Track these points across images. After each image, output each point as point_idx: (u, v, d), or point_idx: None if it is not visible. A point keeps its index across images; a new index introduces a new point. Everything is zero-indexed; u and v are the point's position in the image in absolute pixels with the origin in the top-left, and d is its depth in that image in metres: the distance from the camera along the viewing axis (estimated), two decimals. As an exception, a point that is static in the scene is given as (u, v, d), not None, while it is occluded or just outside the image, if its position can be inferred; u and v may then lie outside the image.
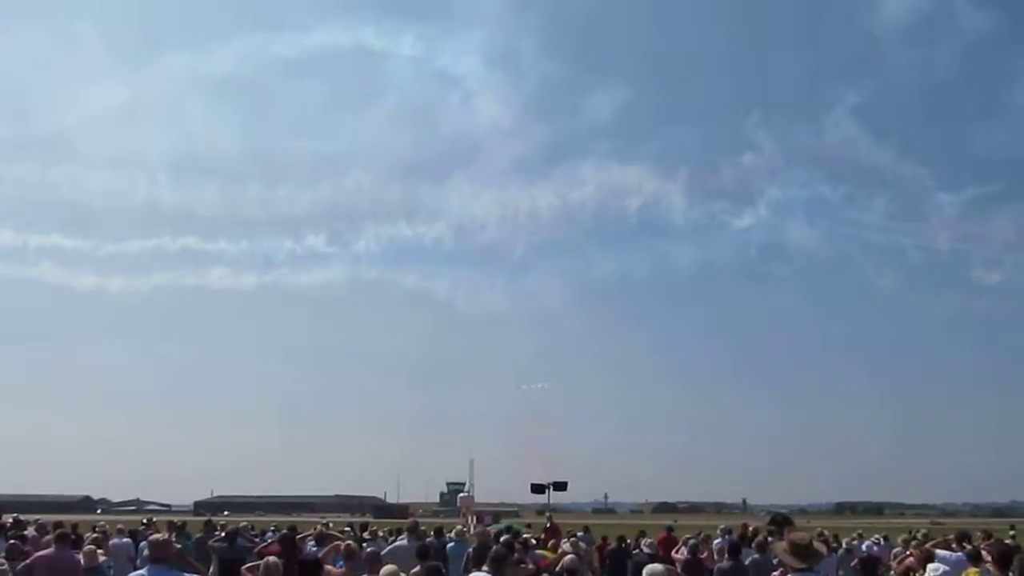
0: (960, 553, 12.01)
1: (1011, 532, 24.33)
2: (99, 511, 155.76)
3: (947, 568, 7.29)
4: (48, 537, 13.91)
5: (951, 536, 14.42)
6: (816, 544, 6.95)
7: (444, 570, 9.77)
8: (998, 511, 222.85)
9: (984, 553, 11.46)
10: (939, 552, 12.35)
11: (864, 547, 19.80)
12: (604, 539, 23.39)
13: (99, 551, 13.58)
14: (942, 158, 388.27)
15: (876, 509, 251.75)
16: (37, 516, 30.33)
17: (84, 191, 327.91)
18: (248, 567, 10.86)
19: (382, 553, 12.53)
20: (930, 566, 7.26)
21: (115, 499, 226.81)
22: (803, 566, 6.60)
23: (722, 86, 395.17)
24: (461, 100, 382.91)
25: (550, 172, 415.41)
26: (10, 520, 21.01)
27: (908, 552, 13.51)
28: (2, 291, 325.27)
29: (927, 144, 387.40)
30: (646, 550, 16.75)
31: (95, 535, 17.37)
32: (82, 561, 12.45)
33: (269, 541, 16.23)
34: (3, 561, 12.01)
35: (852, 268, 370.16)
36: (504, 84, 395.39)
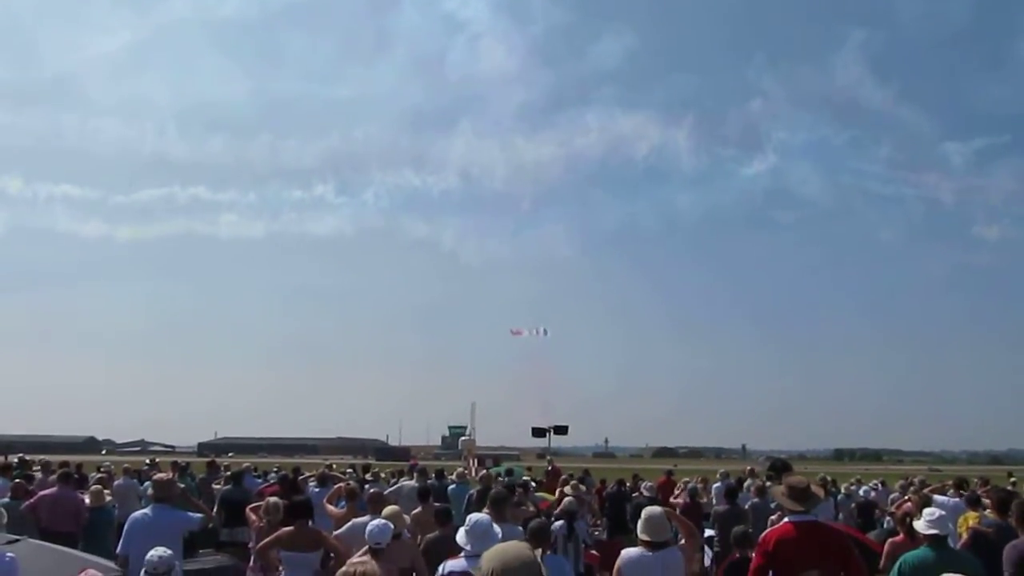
0: (958, 499, 12.11)
1: (1011, 479, 24.45)
2: (103, 452, 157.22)
3: (944, 513, 7.30)
4: (52, 477, 14.02)
5: (949, 482, 14.53)
6: (814, 488, 6.98)
7: (452, 512, 9.87)
8: (995, 459, 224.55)
9: (983, 499, 11.55)
10: (937, 497, 12.43)
11: (862, 492, 19.97)
12: (603, 482, 23.58)
13: (105, 491, 13.70)
14: (948, 108, 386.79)
15: (874, 455, 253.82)
16: (42, 456, 30.62)
17: (93, 140, 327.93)
18: (252, 507, 10.94)
19: (386, 492, 12.64)
20: (926, 511, 7.26)
21: (119, 440, 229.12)
22: (800, 509, 6.63)
23: (729, 31, 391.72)
24: (467, 45, 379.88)
25: (556, 119, 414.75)
26: (15, 460, 21.17)
27: (906, 497, 13.60)
28: (12, 238, 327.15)
29: (933, 93, 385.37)
30: (646, 493, 16.87)
31: (100, 475, 17.50)
32: (88, 500, 12.55)
33: (271, 482, 16.34)
34: (8, 500, 12.13)
35: (855, 218, 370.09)
36: (510, 29, 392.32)
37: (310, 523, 8.88)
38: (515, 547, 3.42)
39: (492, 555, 3.29)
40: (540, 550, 6.72)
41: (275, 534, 8.87)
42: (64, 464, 17.62)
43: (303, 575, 8.58)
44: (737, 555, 8.82)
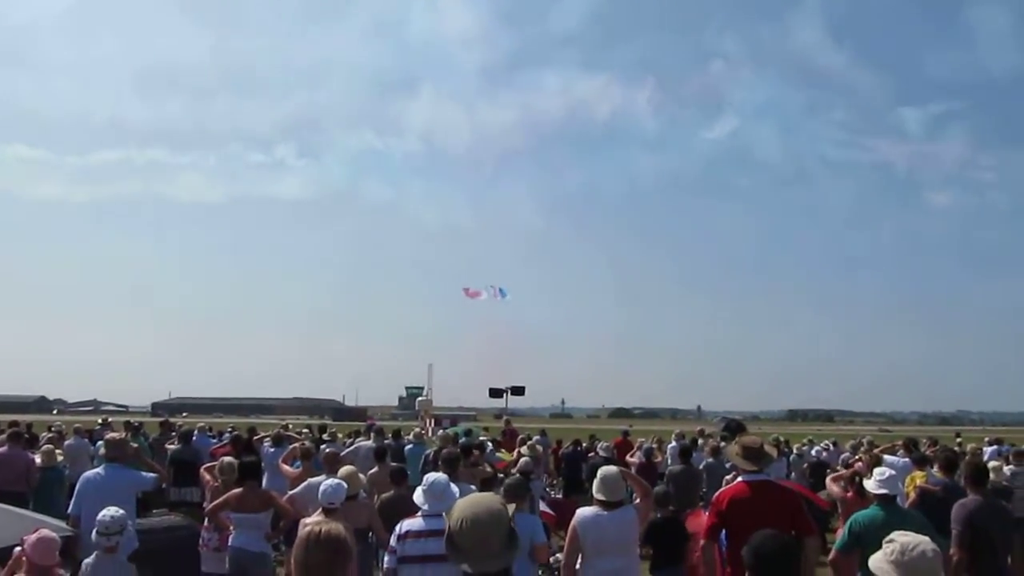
0: (907, 459, 12.33)
1: (958, 439, 25.00)
2: (55, 412, 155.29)
3: (894, 473, 7.43)
4: (1, 436, 13.81)
5: (899, 442, 14.78)
6: (767, 448, 7.05)
7: (407, 471, 9.86)
8: (944, 420, 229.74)
9: (931, 458, 11.75)
10: (887, 457, 12.65)
11: (814, 452, 20.27)
12: (559, 443, 23.73)
13: (56, 451, 13.54)
14: (903, 74, 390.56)
15: (826, 416, 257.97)
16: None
17: (48, 102, 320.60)
18: (206, 467, 10.88)
19: (343, 453, 12.61)
20: (876, 470, 7.39)
21: (71, 400, 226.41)
22: (754, 468, 6.70)
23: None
24: (428, 5, 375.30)
25: (517, 81, 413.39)
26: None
27: (857, 457, 13.83)
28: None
29: (889, 59, 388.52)
30: (602, 453, 17.00)
31: (51, 435, 17.28)
32: (39, 460, 12.40)
33: (224, 442, 16.25)
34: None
35: (810, 182, 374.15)
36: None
37: (262, 483, 8.88)
38: (487, 498, 3.42)
39: (463, 505, 3.29)
40: (514, 506, 6.75)
41: (224, 496, 8.86)
42: (13, 424, 17.37)
43: (253, 535, 8.58)
44: (658, 515, 8.87)
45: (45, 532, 5.90)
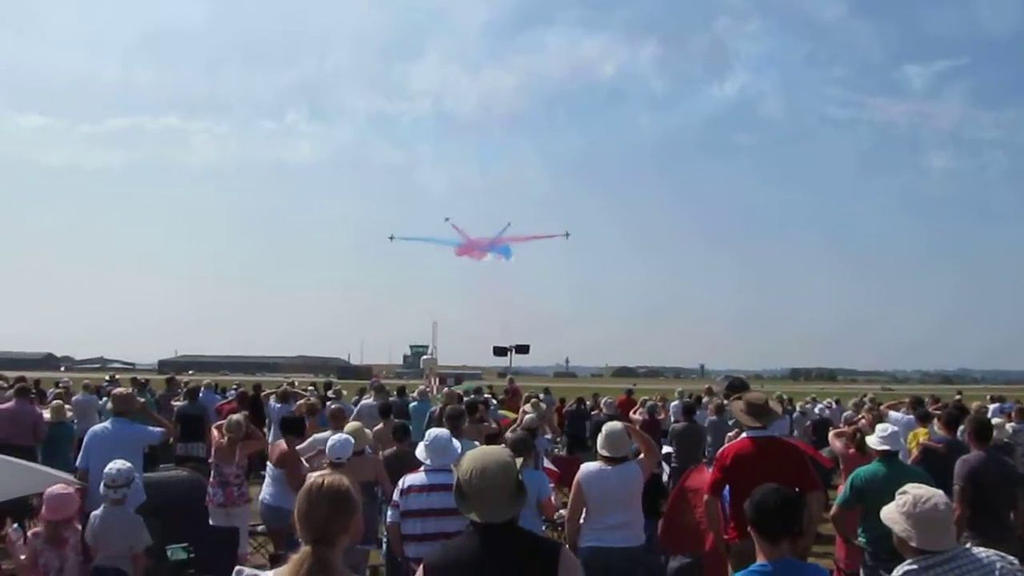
0: (910, 416, 12.35)
1: (957, 397, 25.03)
2: (62, 368, 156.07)
3: (896, 429, 7.45)
4: (10, 392, 13.89)
5: (904, 399, 14.79)
6: (772, 404, 7.05)
7: (410, 428, 9.92)
8: (946, 378, 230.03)
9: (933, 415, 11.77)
10: (892, 414, 12.69)
11: (817, 410, 20.33)
12: (562, 401, 23.78)
13: (65, 406, 13.61)
14: (905, 30, 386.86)
15: (829, 375, 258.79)
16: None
17: (60, 70, 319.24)
18: (216, 425, 10.95)
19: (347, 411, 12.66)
20: (879, 427, 7.42)
21: (78, 357, 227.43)
22: (758, 424, 6.71)
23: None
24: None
25: (522, 41, 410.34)
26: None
27: (860, 415, 13.86)
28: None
29: (891, 14, 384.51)
30: (606, 410, 17.06)
31: (59, 391, 17.37)
32: (47, 415, 12.46)
33: (229, 399, 16.32)
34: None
35: (813, 140, 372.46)
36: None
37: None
38: (495, 450, 3.51)
39: (472, 456, 3.39)
40: (521, 460, 6.80)
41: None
42: (21, 379, 17.45)
43: (274, 488, 8.79)
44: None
45: (65, 487, 5.99)
